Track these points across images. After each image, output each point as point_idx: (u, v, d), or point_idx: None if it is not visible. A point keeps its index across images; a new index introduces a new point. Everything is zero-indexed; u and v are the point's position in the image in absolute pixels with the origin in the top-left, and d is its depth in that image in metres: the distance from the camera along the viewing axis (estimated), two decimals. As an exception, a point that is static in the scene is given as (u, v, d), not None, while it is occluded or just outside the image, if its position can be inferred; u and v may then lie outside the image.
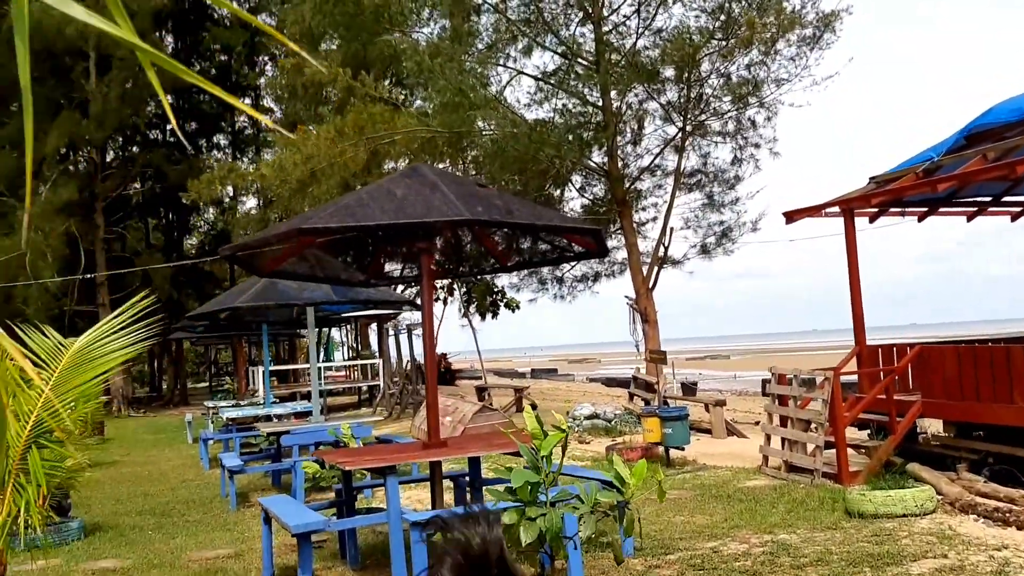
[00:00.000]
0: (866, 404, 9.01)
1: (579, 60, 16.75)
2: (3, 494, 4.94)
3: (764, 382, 33.82)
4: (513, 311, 29.20)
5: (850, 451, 9.11)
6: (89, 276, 27.56)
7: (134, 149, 34.46)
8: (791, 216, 10.75)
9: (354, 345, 35.67)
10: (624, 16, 17.05)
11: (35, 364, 5.72)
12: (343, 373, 32.63)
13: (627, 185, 18.24)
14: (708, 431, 14.11)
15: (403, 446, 7.46)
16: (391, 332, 24.49)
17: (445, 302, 26.21)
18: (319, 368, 29.96)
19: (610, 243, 19.35)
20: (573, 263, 20.77)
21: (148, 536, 8.88)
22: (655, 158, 18.59)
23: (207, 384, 39.42)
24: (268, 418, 14.46)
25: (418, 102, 19.73)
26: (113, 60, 28.80)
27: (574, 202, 20.51)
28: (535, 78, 17.90)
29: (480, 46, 17.62)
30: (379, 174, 17.33)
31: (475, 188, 6.62)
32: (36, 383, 5.63)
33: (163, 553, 7.95)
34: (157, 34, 32.60)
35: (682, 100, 16.64)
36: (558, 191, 19.08)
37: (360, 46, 21.63)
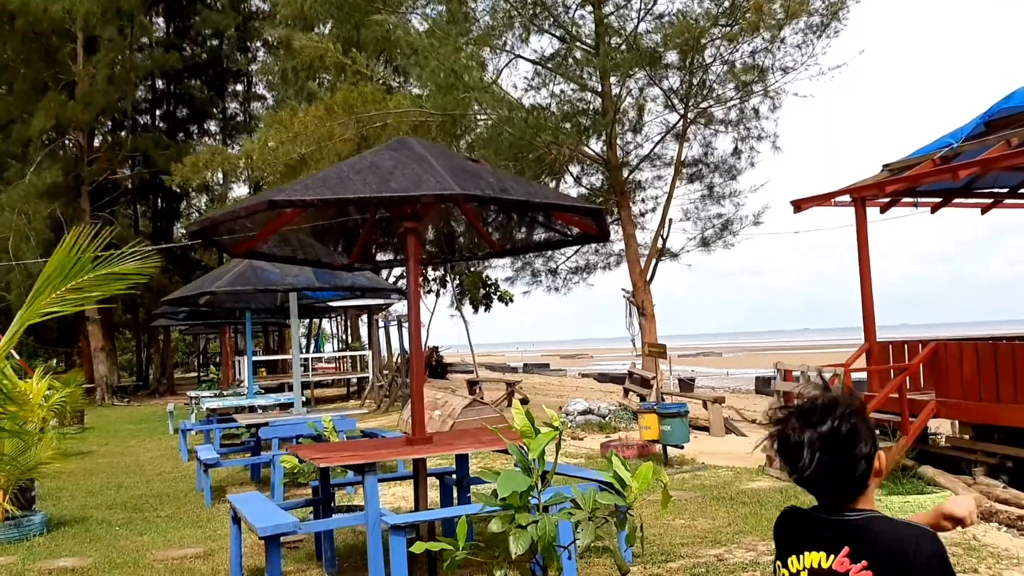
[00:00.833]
0: (878, 403, 8.52)
1: (578, 44, 16.19)
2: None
3: (758, 379, 33.67)
4: (506, 304, 28.69)
5: (860, 452, 8.62)
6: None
7: (122, 134, 33.75)
8: (799, 204, 10.27)
9: (344, 336, 35.12)
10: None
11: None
12: (333, 365, 32.07)
13: (626, 175, 17.72)
14: (706, 429, 13.64)
15: (386, 441, 6.94)
16: (381, 323, 23.92)
17: (437, 294, 25.70)
18: (307, 359, 29.50)
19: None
20: (568, 253, 20.27)
21: (114, 532, 8.36)
22: (655, 146, 18.06)
23: (196, 374, 38.86)
24: (251, 409, 13.94)
25: (413, 90, 19.18)
26: (100, 41, 28.15)
27: (570, 191, 19.97)
28: (532, 62, 17.34)
29: (476, 32, 17.04)
30: (370, 159, 16.67)
31: (467, 163, 6.10)
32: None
33: (128, 551, 7.43)
34: (147, 16, 31.89)
35: (684, 86, 16.09)
36: (554, 181, 18.52)
37: (353, 28, 21.04)
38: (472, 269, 25.23)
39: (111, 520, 9.02)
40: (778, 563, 1.98)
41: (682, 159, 17.46)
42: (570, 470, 6.63)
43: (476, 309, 27.72)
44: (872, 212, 10.60)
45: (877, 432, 1.87)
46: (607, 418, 14.56)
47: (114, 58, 28.51)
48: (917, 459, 8.47)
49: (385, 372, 21.84)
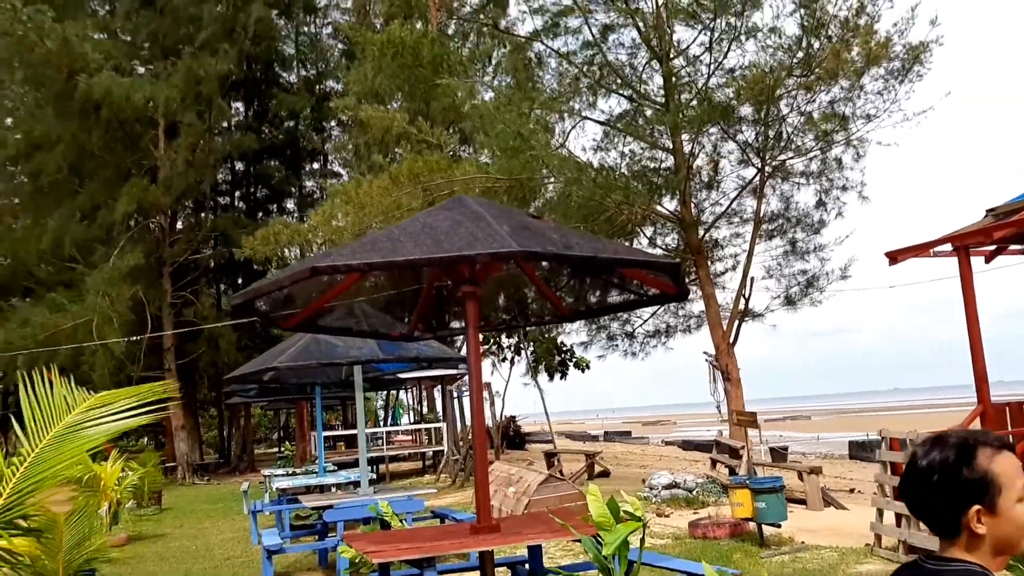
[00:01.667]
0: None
1: (647, 102, 15.76)
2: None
3: (852, 443, 31.84)
4: (583, 371, 27.93)
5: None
6: (153, 338, 27.37)
7: (202, 215, 34.67)
8: (894, 256, 9.45)
9: (419, 408, 34.75)
10: (693, 55, 16.05)
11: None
12: (410, 438, 31.61)
13: (702, 233, 17.02)
14: (802, 502, 12.58)
15: (449, 529, 6.34)
16: (455, 394, 23.44)
17: (512, 362, 25.11)
18: (382, 432, 29.13)
19: (685, 295, 18.11)
20: (645, 316, 19.52)
21: (173, 626, 7.89)
22: (732, 202, 17.32)
23: (277, 450, 38.88)
24: (321, 488, 13.51)
25: (481, 158, 19.04)
26: (181, 126, 29.09)
27: (645, 253, 19.34)
28: (600, 123, 16.96)
29: (543, 96, 16.82)
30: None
31: (527, 220, 5.60)
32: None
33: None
34: (226, 100, 32.93)
35: (760, 139, 15.43)
36: (628, 242, 17.94)
37: (423, 103, 21.20)
38: (546, 335, 24.65)
39: (171, 612, 8.59)
40: None
41: (761, 215, 16.69)
42: (657, 559, 5.88)
43: (551, 376, 27.03)
44: (976, 263, 9.71)
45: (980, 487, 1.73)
46: (694, 492, 13.62)
47: (194, 142, 29.38)
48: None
49: (460, 444, 21.26)
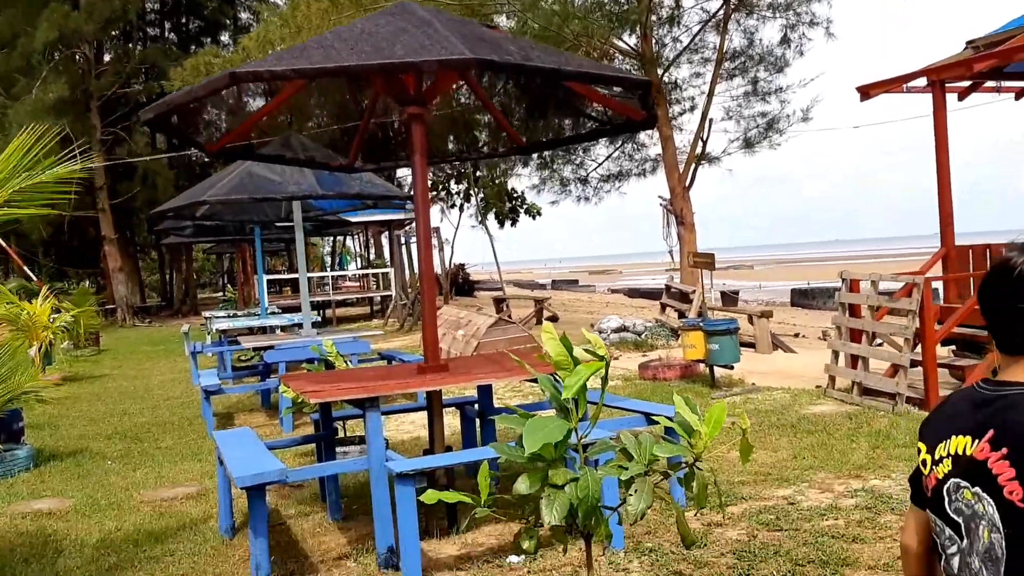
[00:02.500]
0: (963, 315, 7.43)
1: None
2: None
3: (794, 291, 32.48)
4: (534, 217, 27.59)
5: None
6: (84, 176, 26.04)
7: (130, 46, 32.42)
8: (866, 91, 8.98)
9: (365, 254, 34.27)
10: None
11: None
12: (358, 283, 31.26)
13: (661, 72, 16.25)
14: (751, 345, 12.60)
15: (395, 369, 6.00)
16: (403, 239, 22.94)
17: (461, 208, 24.54)
18: (326, 279, 28.71)
19: (642, 137, 17.49)
20: (600, 158, 18.95)
21: (106, 467, 7.59)
22: (694, 37, 16.44)
23: (221, 294, 38.34)
24: (263, 330, 13.13)
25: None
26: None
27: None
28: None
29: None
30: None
31: (482, 30, 4.94)
32: None
33: (115, 490, 6.66)
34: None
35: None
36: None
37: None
38: (497, 180, 24.02)
39: (106, 452, 8.27)
40: (924, 449, 1.61)
41: (723, 52, 15.91)
42: (610, 399, 5.63)
43: (502, 223, 26.64)
44: (949, 100, 9.28)
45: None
46: (643, 336, 13.58)
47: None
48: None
49: (409, 290, 20.97)
